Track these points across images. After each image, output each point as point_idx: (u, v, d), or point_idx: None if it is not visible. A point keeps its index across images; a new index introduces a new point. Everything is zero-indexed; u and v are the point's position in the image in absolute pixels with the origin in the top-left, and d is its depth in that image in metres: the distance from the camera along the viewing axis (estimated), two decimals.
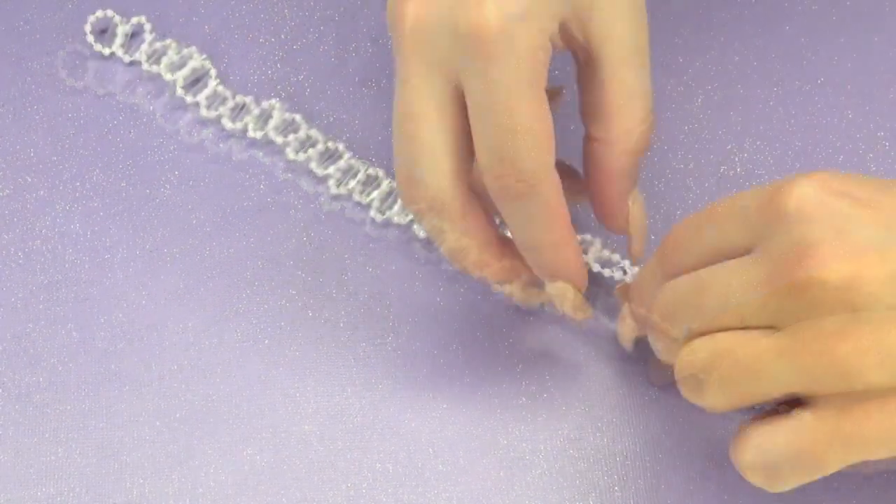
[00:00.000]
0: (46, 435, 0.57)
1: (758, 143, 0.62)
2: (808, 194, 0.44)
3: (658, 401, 0.57)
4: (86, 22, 0.65)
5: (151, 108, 0.64)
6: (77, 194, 0.62)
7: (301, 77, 0.65)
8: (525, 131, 0.48)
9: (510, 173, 0.49)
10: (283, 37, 0.66)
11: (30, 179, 0.62)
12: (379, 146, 0.63)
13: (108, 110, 0.64)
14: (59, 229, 0.61)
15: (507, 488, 0.56)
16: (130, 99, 0.64)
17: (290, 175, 0.62)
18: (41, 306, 0.60)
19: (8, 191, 0.62)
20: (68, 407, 0.58)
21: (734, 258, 0.46)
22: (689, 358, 0.47)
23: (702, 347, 0.46)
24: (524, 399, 0.58)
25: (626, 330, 0.56)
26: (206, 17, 0.66)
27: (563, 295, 0.53)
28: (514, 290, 0.55)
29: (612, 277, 0.58)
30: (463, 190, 0.50)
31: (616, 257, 0.59)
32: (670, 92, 0.64)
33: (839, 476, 0.46)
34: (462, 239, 0.52)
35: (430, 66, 0.49)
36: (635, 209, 0.54)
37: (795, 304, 0.44)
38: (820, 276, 0.43)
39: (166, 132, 0.63)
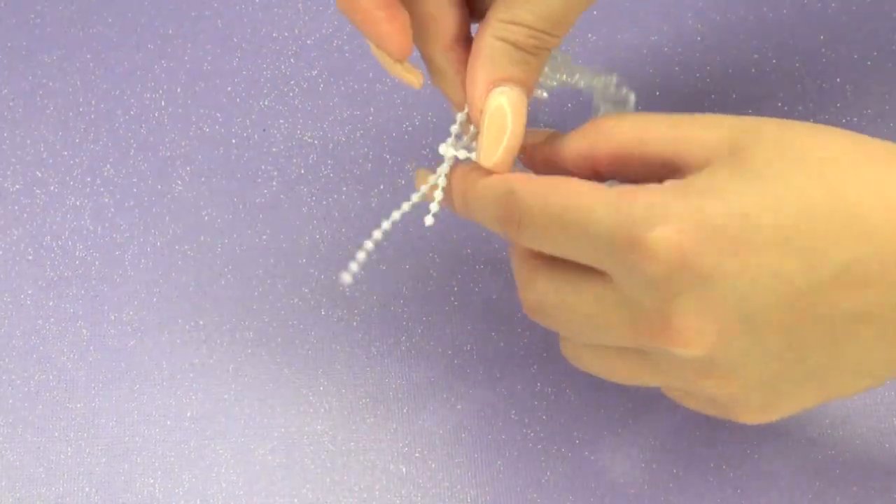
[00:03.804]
0: (56, 434, 0.57)
1: None
2: (671, 251, 0.44)
3: (675, 403, 0.57)
4: (95, 14, 0.65)
5: (163, 103, 0.64)
6: (88, 190, 0.62)
7: (315, 72, 0.64)
8: None
9: None
10: (296, 31, 0.65)
11: (40, 175, 0.62)
12: (394, 142, 0.63)
13: (119, 105, 0.63)
14: (70, 225, 0.61)
15: (522, 490, 0.56)
16: (142, 94, 0.64)
17: (303, 171, 0.62)
18: (51, 303, 0.59)
19: (18, 186, 0.62)
20: (78, 405, 0.57)
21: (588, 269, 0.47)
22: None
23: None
24: (539, 400, 0.58)
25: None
26: (219, 11, 0.66)
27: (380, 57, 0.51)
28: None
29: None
30: None
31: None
32: (688, 90, 0.64)
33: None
34: None
35: None
36: (493, 103, 0.50)
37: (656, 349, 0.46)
38: (684, 350, 0.45)
39: (178, 127, 0.63)
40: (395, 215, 0.50)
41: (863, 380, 0.46)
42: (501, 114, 0.49)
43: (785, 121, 0.45)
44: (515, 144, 0.49)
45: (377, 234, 0.51)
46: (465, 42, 0.50)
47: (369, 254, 0.51)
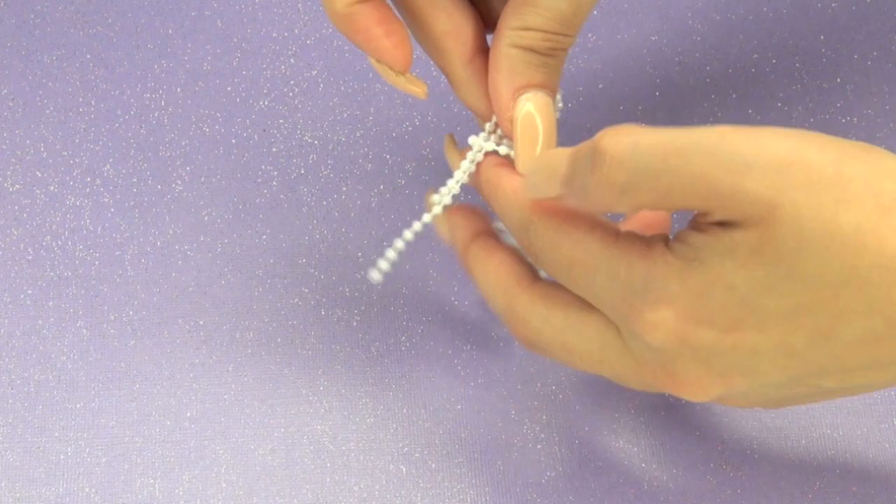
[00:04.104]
0: (55, 433, 0.57)
1: None
2: (669, 330, 0.44)
3: (674, 402, 0.57)
4: (94, 14, 0.65)
5: (163, 103, 0.64)
6: (88, 190, 0.62)
7: (315, 72, 0.64)
8: None
9: None
10: (296, 31, 0.65)
11: (40, 174, 0.62)
12: (394, 142, 0.63)
13: (119, 105, 0.63)
14: (70, 225, 0.61)
15: (520, 490, 0.56)
16: (142, 94, 0.64)
17: (303, 171, 0.62)
18: (51, 303, 0.59)
19: (18, 186, 0.62)
20: (78, 405, 0.57)
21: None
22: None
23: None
24: (538, 401, 0.57)
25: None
26: (219, 11, 0.66)
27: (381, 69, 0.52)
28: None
29: None
30: None
31: None
32: (688, 89, 0.63)
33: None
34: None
35: None
36: (521, 111, 0.50)
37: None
38: (693, 398, 0.46)
39: (178, 127, 0.63)
40: (427, 217, 0.53)
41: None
42: (531, 121, 0.50)
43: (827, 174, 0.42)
44: (549, 147, 0.49)
45: (409, 235, 0.53)
46: (484, 53, 0.51)
47: (400, 252, 0.52)
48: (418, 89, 0.51)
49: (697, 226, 0.44)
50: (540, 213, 0.48)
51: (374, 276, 0.53)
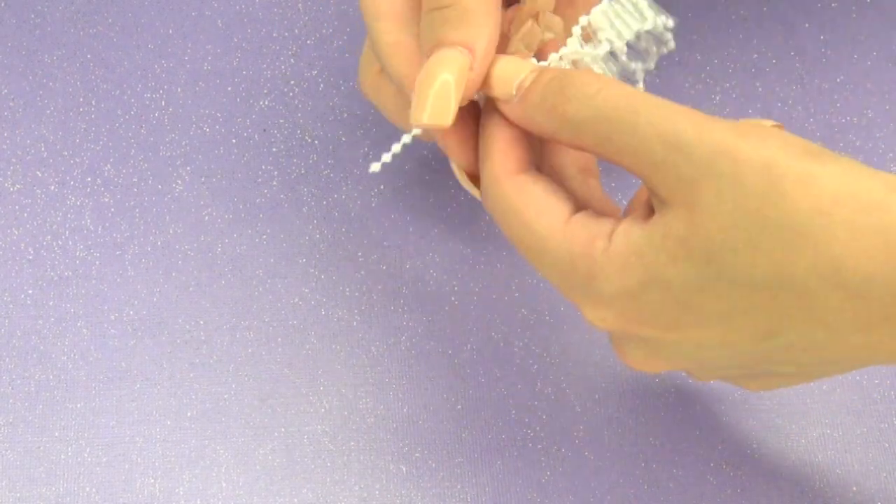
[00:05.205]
0: (56, 433, 0.57)
1: None
2: (611, 327, 0.45)
3: (674, 402, 0.57)
4: (96, 14, 0.65)
5: (163, 103, 0.64)
6: (88, 189, 0.62)
7: (315, 72, 0.64)
8: None
9: None
10: (296, 31, 0.65)
11: (40, 174, 0.62)
12: (394, 142, 0.62)
13: (119, 105, 0.63)
14: (70, 225, 0.61)
15: (522, 489, 0.56)
16: (142, 94, 0.64)
17: (303, 171, 0.62)
18: (51, 303, 0.59)
19: (19, 185, 0.62)
20: (78, 405, 0.57)
21: None
22: None
23: None
24: (539, 400, 0.58)
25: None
26: (219, 11, 0.66)
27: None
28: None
29: None
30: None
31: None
32: (688, 89, 0.63)
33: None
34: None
35: None
36: (429, 64, 0.49)
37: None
38: (642, 371, 0.48)
39: (178, 127, 0.63)
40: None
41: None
42: (430, 73, 0.48)
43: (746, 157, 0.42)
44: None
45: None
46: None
47: (406, 145, 0.51)
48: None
49: (640, 216, 0.44)
50: (504, 180, 0.47)
51: (374, 167, 0.52)
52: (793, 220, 0.40)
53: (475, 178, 0.50)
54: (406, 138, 0.51)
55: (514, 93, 0.47)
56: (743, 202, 0.41)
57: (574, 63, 0.50)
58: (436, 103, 0.47)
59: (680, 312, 0.43)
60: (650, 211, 0.44)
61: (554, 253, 0.45)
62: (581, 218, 0.46)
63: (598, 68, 0.50)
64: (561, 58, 0.50)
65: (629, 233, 0.44)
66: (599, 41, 0.50)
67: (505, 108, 0.48)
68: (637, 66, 0.52)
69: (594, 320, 0.45)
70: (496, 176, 0.47)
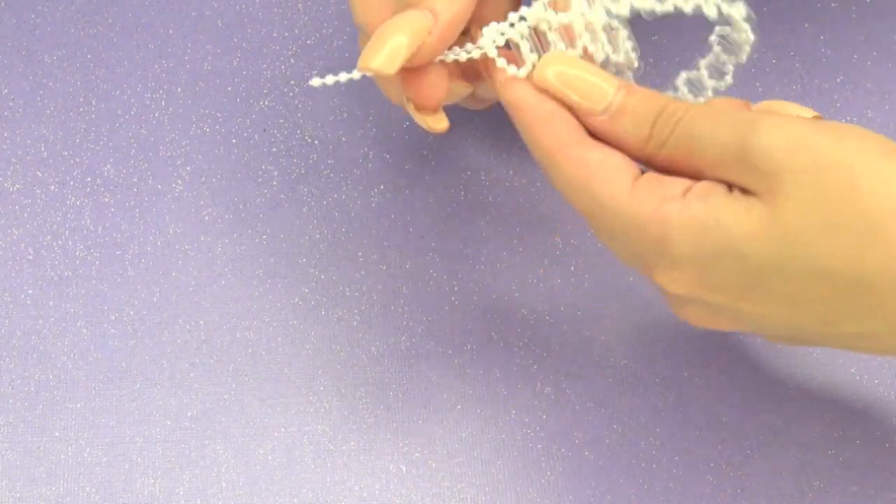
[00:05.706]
0: (56, 433, 0.57)
1: None
2: (681, 289, 0.46)
3: (674, 402, 0.57)
4: (96, 14, 0.65)
5: (163, 103, 0.64)
6: (88, 189, 0.62)
7: (315, 72, 0.64)
8: None
9: None
10: (296, 31, 0.65)
11: (40, 174, 0.62)
12: (394, 142, 0.63)
13: (119, 105, 0.63)
14: (70, 225, 0.61)
15: (521, 490, 0.56)
16: (142, 94, 0.64)
17: (303, 171, 0.62)
18: (51, 303, 0.59)
19: (19, 185, 0.62)
20: (78, 405, 0.57)
21: None
22: None
23: None
24: (539, 400, 0.57)
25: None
26: (219, 11, 0.66)
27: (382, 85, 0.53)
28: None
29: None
30: None
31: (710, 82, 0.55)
32: None
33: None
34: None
35: None
36: (394, 19, 0.50)
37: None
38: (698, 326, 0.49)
39: (178, 127, 0.63)
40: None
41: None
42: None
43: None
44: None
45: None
46: None
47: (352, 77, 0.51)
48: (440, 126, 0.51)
49: (717, 182, 0.45)
50: (559, 155, 0.47)
51: (315, 82, 0.51)
52: (867, 220, 0.42)
53: (424, 110, 0.51)
54: (356, 74, 0.51)
55: (601, 110, 0.47)
56: (821, 197, 0.42)
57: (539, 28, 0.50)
58: (388, 54, 0.48)
59: (751, 287, 0.44)
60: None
61: (623, 219, 0.46)
62: (646, 181, 0.46)
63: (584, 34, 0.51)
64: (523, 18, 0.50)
65: (709, 199, 0.44)
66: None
67: (587, 120, 0.48)
68: (728, 59, 0.52)
69: (666, 283, 0.46)
70: (551, 152, 0.47)
